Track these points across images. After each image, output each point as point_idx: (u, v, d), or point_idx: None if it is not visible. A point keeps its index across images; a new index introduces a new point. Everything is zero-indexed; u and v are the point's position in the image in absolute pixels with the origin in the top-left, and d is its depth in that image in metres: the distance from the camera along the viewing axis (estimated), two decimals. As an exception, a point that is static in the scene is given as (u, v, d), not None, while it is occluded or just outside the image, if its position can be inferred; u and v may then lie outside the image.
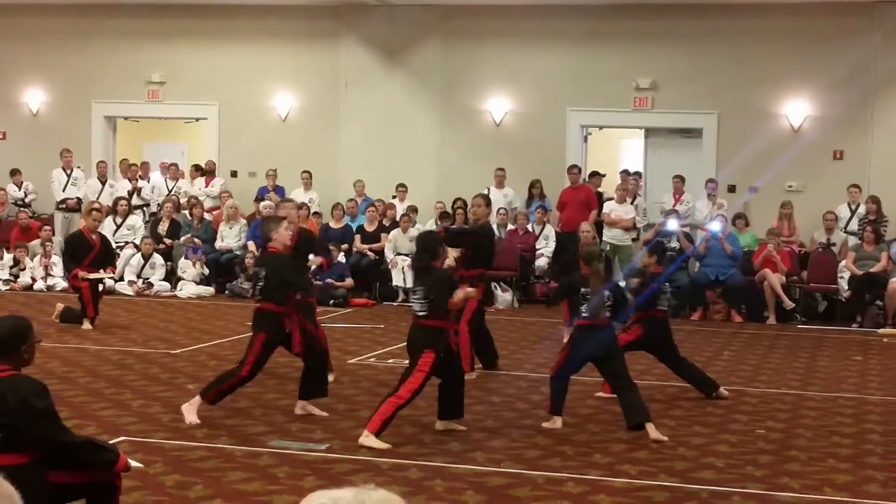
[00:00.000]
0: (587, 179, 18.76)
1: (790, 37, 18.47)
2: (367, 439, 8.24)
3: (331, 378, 10.72)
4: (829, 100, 18.34)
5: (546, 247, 17.93)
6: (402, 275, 17.01)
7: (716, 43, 18.78)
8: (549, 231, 17.99)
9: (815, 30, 18.35)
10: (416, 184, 19.46)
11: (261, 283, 9.17)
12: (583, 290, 9.11)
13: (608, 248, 16.68)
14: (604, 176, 19.08)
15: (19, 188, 20.14)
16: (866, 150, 18.36)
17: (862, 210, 17.37)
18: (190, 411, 8.90)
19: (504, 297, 17.04)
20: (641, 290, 10.17)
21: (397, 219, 18.24)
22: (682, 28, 18.87)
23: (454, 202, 18.18)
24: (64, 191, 19.69)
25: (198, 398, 8.96)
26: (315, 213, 18.54)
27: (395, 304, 17.02)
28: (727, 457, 8.30)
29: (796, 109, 18.53)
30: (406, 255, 17.47)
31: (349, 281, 16.95)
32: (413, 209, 18.59)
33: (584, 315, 9.10)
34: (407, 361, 8.83)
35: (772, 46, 18.55)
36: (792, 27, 18.43)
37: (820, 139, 18.41)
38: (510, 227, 18.03)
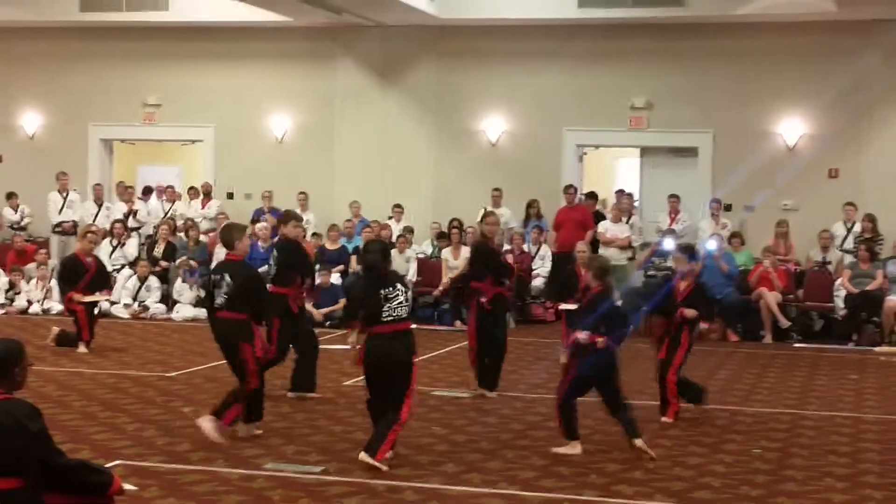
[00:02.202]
0: (583, 199, 18.79)
1: (784, 55, 18.53)
2: (370, 461, 8.19)
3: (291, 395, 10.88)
4: (824, 118, 18.39)
5: (542, 267, 17.94)
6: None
7: (710, 62, 18.83)
8: (546, 251, 18.00)
9: (809, 48, 18.42)
10: (412, 204, 19.47)
11: (225, 292, 9.13)
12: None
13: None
14: (595, 200, 19.03)
15: (15, 211, 20.15)
16: (861, 169, 18.39)
17: (857, 228, 17.39)
18: (212, 429, 8.97)
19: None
20: None
21: (393, 239, 18.23)
22: (676, 47, 18.93)
23: (450, 222, 18.23)
24: (60, 213, 19.70)
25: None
26: (314, 234, 18.57)
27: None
28: (723, 476, 8.28)
29: (791, 128, 18.57)
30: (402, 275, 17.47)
31: (342, 302, 16.86)
32: (409, 230, 18.60)
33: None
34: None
35: (766, 65, 18.61)
36: (786, 45, 18.49)
37: (815, 157, 18.46)
38: (506, 247, 18.02)
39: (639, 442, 8.72)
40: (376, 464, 8.11)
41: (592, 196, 18.99)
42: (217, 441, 8.80)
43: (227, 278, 9.14)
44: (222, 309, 9.18)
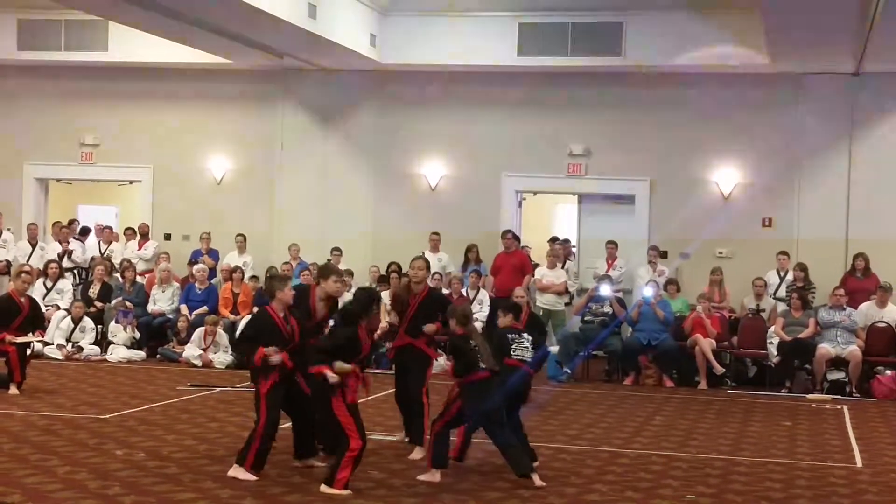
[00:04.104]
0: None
1: (720, 105, 18.86)
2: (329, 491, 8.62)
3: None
4: (759, 168, 18.73)
5: (480, 311, 17.94)
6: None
7: (648, 111, 19.11)
8: (484, 296, 18.03)
9: (744, 99, 18.76)
10: (351, 247, 19.47)
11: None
12: (472, 343, 9.39)
13: (542, 313, 16.75)
14: (526, 247, 18.99)
15: (-53, 250, 19.82)
16: (794, 218, 18.70)
17: (790, 277, 17.67)
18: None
19: (439, 362, 16.99)
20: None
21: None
22: (615, 96, 19.20)
23: (389, 266, 18.24)
24: (-8, 253, 19.43)
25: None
26: (252, 276, 18.47)
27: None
28: (658, 522, 8.32)
29: (726, 177, 18.87)
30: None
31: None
32: (349, 273, 18.54)
33: (482, 367, 9.30)
34: None
35: (702, 115, 18.93)
36: (722, 96, 18.82)
37: (749, 207, 18.76)
38: (445, 291, 18.03)
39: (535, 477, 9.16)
40: (336, 492, 8.54)
41: (516, 239, 19.03)
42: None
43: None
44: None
